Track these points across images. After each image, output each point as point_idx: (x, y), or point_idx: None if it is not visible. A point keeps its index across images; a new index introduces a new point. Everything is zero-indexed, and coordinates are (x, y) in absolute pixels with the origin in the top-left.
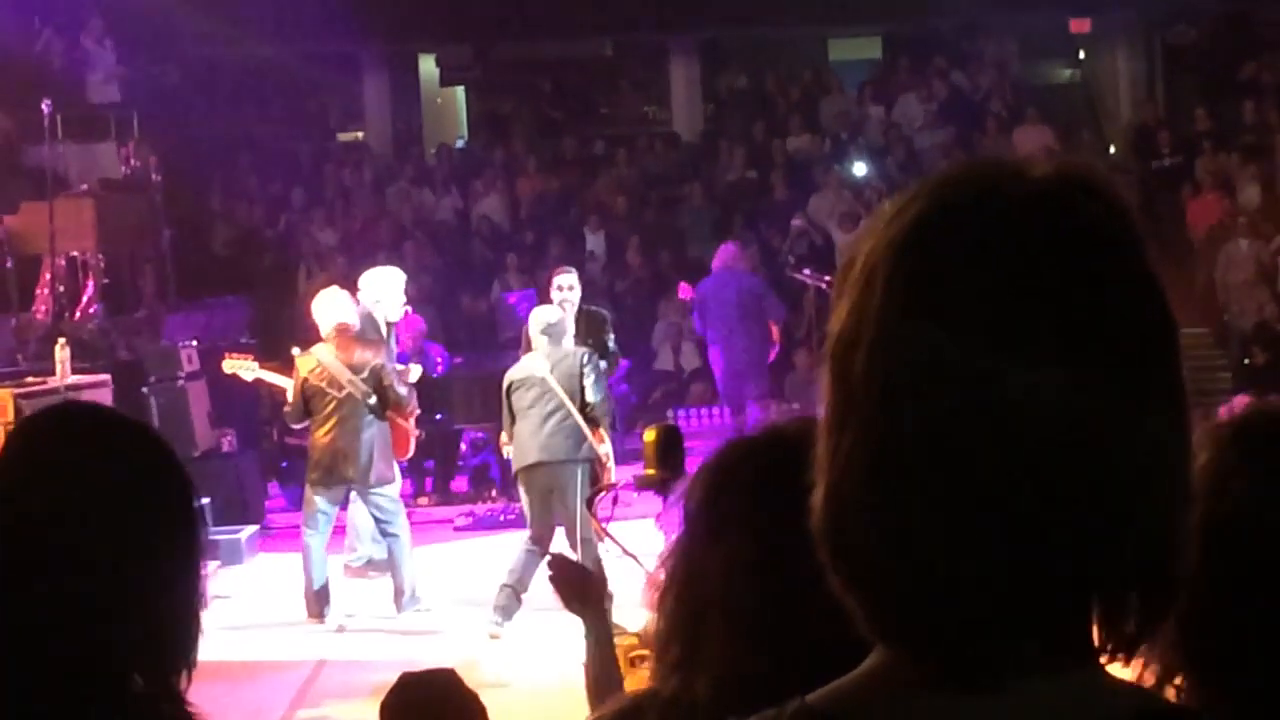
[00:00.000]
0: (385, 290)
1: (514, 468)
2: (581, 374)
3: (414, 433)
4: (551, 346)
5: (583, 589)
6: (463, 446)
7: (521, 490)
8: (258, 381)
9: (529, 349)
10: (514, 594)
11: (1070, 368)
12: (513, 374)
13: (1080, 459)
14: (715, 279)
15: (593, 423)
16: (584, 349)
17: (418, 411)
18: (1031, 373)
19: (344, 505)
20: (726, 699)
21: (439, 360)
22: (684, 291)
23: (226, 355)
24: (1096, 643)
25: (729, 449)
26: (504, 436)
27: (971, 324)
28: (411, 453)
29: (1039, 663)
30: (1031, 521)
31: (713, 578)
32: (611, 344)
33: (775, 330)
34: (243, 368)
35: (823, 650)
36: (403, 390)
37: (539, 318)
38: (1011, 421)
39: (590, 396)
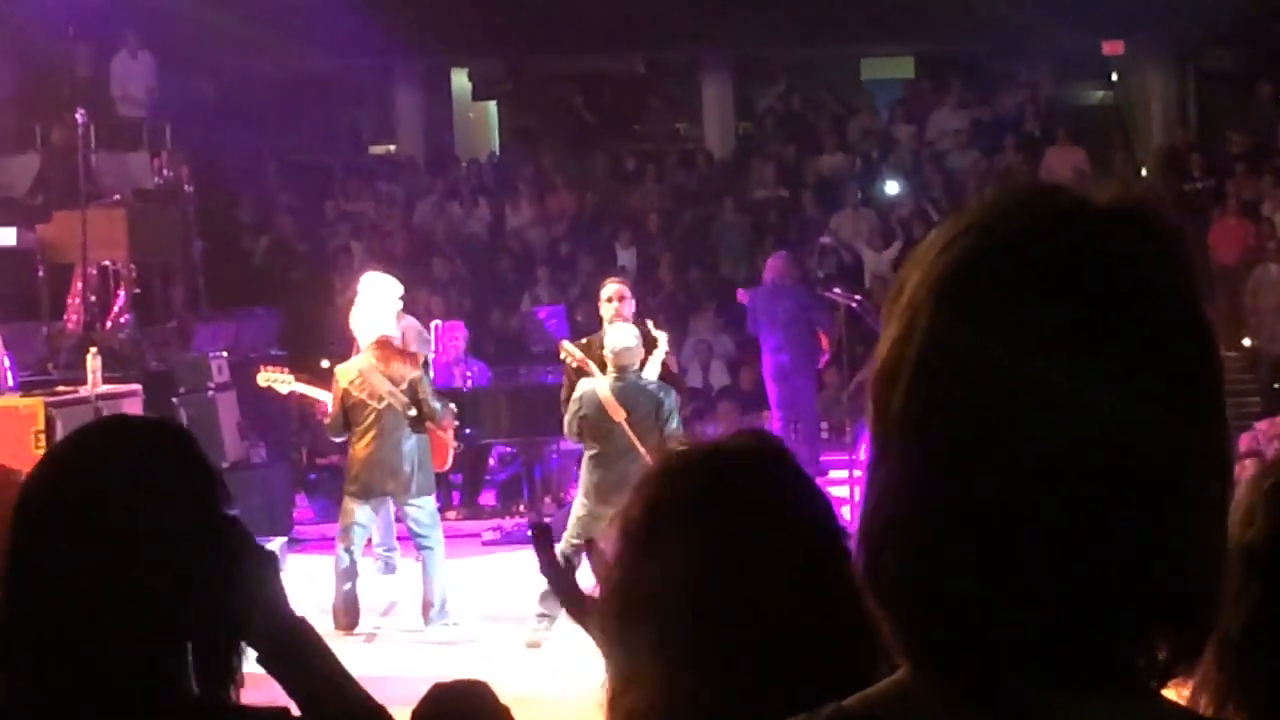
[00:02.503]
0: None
1: (585, 492)
2: (668, 422)
3: (452, 445)
4: (624, 377)
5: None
6: (491, 461)
7: (584, 506)
8: (293, 394)
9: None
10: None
11: (1113, 404)
12: (585, 403)
13: (1121, 487)
14: (765, 292)
15: None
16: (664, 386)
17: (456, 423)
18: (1073, 407)
19: None
20: (661, 714)
21: (469, 374)
22: (743, 297)
23: (262, 368)
24: (1133, 670)
25: (670, 461)
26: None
27: (1014, 359)
28: (449, 465)
29: (1074, 686)
30: (1068, 549)
31: (645, 592)
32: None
33: (825, 340)
34: (278, 380)
35: (754, 667)
36: (436, 405)
37: (611, 340)
38: (1051, 450)
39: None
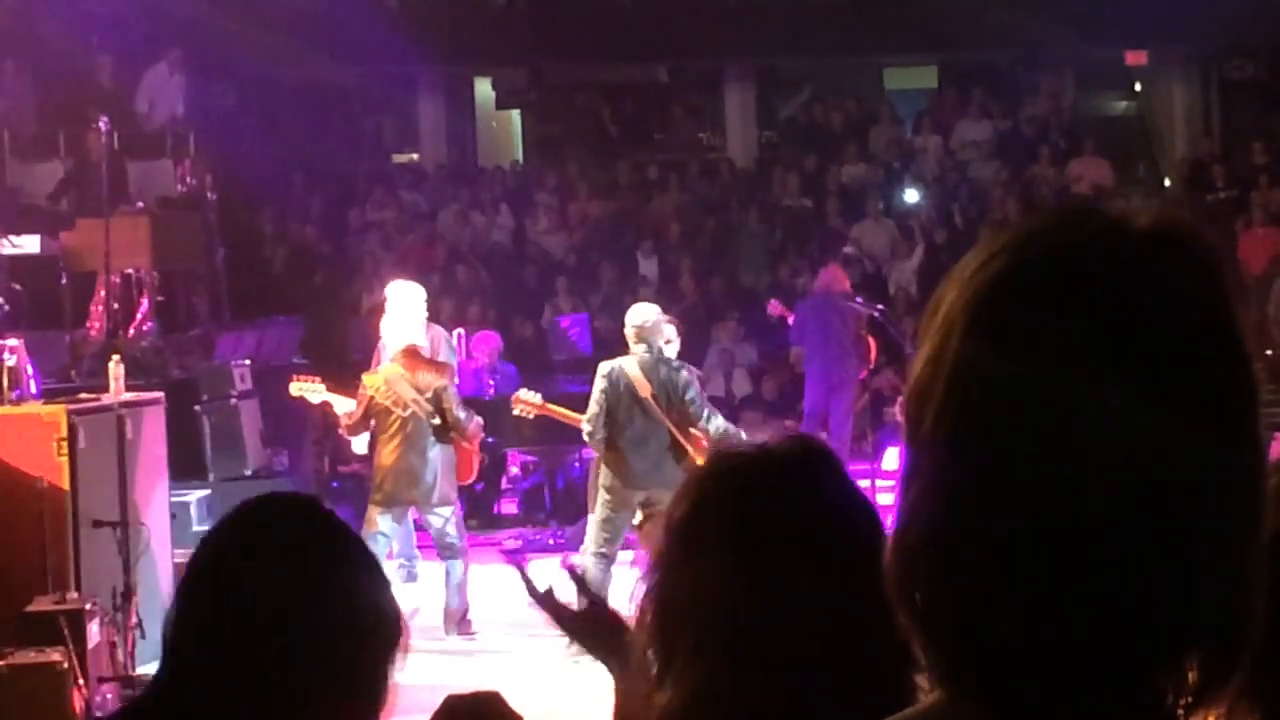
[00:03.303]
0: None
1: (609, 486)
2: (684, 396)
3: (478, 455)
4: (648, 354)
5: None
6: (514, 469)
7: (608, 504)
8: (325, 405)
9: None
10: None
11: (1143, 428)
12: (612, 380)
13: (1149, 513)
14: (813, 301)
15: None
16: (682, 362)
17: (482, 434)
18: (1103, 430)
19: None
20: (694, 716)
21: (491, 383)
22: (774, 308)
23: (294, 378)
24: (1164, 696)
25: (715, 462)
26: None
27: (1046, 379)
28: (474, 477)
29: (1105, 709)
30: (1096, 569)
31: (685, 591)
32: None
33: (874, 347)
34: (310, 390)
35: (790, 672)
36: (461, 414)
37: (632, 317)
38: (1080, 471)
39: (711, 426)
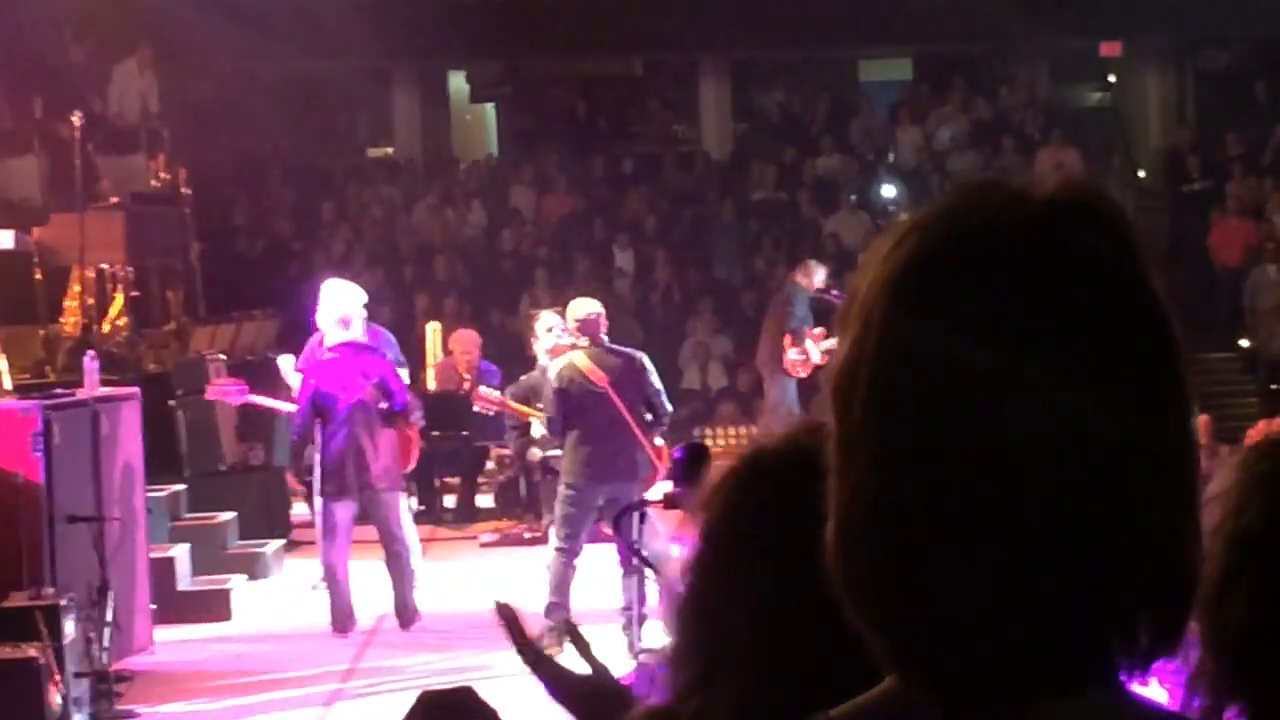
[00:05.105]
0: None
1: (569, 484)
2: (643, 373)
3: (416, 442)
4: (595, 344)
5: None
6: (489, 464)
7: (568, 501)
8: (248, 405)
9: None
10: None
11: (1070, 394)
12: (563, 377)
13: (1083, 479)
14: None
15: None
16: (631, 349)
17: (421, 422)
18: (1030, 399)
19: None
20: None
21: (466, 378)
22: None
23: (210, 382)
24: (1115, 664)
25: (747, 462)
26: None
27: (968, 356)
28: (414, 463)
29: (1057, 684)
30: (1034, 544)
31: (734, 601)
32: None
33: (789, 339)
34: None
35: (848, 679)
36: (407, 397)
37: (574, 310)
38: (1011, 445)
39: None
